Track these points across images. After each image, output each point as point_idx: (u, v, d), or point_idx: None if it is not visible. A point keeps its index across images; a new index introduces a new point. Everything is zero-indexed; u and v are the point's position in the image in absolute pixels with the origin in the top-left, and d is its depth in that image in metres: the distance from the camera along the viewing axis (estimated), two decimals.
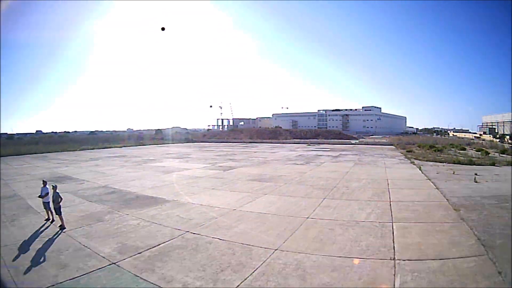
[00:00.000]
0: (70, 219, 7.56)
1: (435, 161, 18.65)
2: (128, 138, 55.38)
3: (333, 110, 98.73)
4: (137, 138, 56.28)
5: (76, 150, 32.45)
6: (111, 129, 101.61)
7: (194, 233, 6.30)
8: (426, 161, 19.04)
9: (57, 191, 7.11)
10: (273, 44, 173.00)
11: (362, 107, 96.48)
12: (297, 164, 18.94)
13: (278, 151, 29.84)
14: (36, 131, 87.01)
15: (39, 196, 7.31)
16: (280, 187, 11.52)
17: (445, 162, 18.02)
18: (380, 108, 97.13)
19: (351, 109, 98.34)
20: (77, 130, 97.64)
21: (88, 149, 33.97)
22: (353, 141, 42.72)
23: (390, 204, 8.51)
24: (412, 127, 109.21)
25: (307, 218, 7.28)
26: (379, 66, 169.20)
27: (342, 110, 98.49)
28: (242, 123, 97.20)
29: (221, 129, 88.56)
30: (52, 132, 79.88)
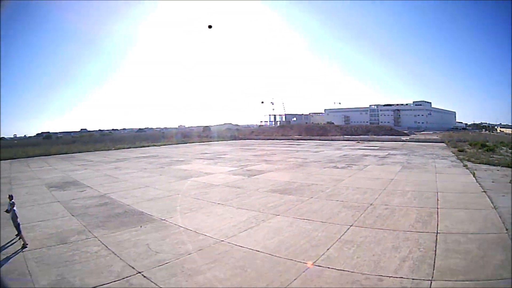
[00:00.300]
0: (38, 237, 7.39)
1: (489, 164, 17.77)
2: (174, 136, 58.92)
3: (384, 105, 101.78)
4: (183, 136, 59.65)
5: (110, 150, 35.62)
6: (162, 126, 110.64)
7: (144, 277, 5.20)
8: (479, 163, 18.17)
9: (14, 208, 6.83)
10: (323, 42, 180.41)
11: (413, 102, 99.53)
12: (337, 168, 17.48)
13: (323, 150, 28.86)
14: (81, 129, 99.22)
15: (6, 211, 7.14)
16: (302, 204, 9.86)
17: (499, 165, 17.07)
18: (430, 103, 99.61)
19: (402, 104, 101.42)
20: (126, 128, 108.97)
21: (124, 148, 36.93)
22: (403, 138, 42.27)
23: (436, 239, 6.40)
24: (461, 122, 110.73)
25: (312, 264, 5.46)
26: (427, 61, 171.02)
27: (393, 105, 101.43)
28: (294, 118, 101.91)
29: (273, 125, 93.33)
30: (99, 130, 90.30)
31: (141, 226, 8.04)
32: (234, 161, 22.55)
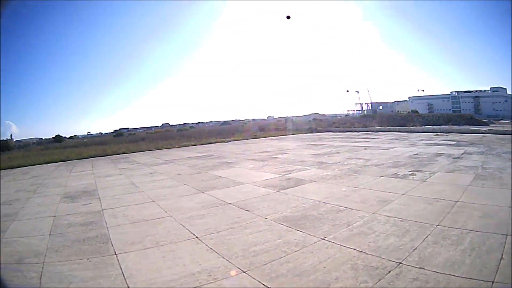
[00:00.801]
0: (8, 253, 8.34)
1: None
2: (251, 129, 63.79)
3: (464, 92, 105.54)
4: (260, 129, 64.09)
5: (173, 148, 39.26)
6: (251, 118, 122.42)
7: None
8: None
9: None
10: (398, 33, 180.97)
11: (490, 88, 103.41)
12: (397, 177, 15.12)
13: (394, 147, 27.35)
14: (163, 124, 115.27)
15: None
16: (299, 251, 7.85)
17: None
18: (506, 88, 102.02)
19: (480, 91, 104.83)
20: (213, 121, 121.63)
21: (188, 146, 40.32)
22: (483, 129, 42.72)
23: None
24: None
25: None
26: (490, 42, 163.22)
27: (472, 91, 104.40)
28: (380, 107, 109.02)
29: (359, 114, 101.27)
30: (184, 123, 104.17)
31: (88, 259, 8.00)
32: (285, 163, 21.99)
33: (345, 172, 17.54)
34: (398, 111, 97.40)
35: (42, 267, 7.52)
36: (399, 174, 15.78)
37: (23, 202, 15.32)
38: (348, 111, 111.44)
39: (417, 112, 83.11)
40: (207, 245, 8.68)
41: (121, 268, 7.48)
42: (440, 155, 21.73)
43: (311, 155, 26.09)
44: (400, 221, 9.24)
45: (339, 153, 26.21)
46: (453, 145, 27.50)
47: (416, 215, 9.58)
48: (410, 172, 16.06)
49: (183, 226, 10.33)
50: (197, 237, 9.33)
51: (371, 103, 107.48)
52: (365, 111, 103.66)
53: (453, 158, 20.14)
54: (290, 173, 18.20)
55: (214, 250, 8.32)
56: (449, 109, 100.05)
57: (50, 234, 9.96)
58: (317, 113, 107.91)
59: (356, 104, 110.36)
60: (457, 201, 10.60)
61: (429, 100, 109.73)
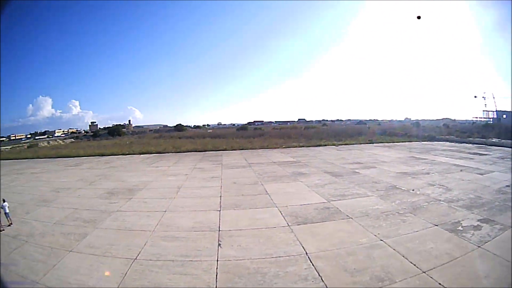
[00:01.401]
0: (14, 228, 12.16)
1: None
2: (375, 131, 67.55)
3: None
4: (382, 132, 67.51)
5: (277, 147, 41.38)
6: (389, 119, 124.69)
7: None
8: None
9: (4, 204, 13.01)
10: None
11: None
12: (453, 231, 12.97)
13: (492, 171, 24.98)
14: (298, 119, 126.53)
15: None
16: None
17: None
18: None
19: None
20: (351, 119, 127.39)
21: (295, 147, 41.76)
22: None
23: None
24: None
25: None
26: None
27: None
28: (504, 116, 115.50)
29: (485, 123, 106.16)
30: (322, 120, 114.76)
31: (51, 248, 10.89)
32: (354, 183, 20.86)
33: (402, 208, 15.39)
34: None
35: (22, 244, 11.04)
36: (460, 225, 13.40)
37: (70, 191, 19.86)
38: (476, 118, 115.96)
39: None
40: (123, 272, 9.55)
41: (59, 262, 9.87)
42: None
43: (396, 173, 24.41)
44: None
45: (428, 174, 24.25)
46: None
47: None
48: (476, 223, 13.57)
49: (145, 244, 11.67)
50: (134, 259, 10.45)
51: (496, 111, 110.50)
52: (491, 119, 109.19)
53: None
54: (340, 200, 16.80)
55: (118, 281, 9.07)
56: None
57: (54, 223, 13.76)
58: (448, 118, 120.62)
59: (483, 111, 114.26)
60: None
61: None
